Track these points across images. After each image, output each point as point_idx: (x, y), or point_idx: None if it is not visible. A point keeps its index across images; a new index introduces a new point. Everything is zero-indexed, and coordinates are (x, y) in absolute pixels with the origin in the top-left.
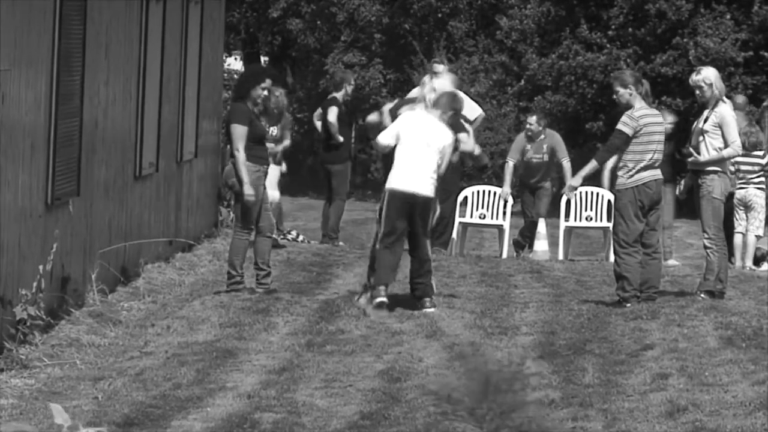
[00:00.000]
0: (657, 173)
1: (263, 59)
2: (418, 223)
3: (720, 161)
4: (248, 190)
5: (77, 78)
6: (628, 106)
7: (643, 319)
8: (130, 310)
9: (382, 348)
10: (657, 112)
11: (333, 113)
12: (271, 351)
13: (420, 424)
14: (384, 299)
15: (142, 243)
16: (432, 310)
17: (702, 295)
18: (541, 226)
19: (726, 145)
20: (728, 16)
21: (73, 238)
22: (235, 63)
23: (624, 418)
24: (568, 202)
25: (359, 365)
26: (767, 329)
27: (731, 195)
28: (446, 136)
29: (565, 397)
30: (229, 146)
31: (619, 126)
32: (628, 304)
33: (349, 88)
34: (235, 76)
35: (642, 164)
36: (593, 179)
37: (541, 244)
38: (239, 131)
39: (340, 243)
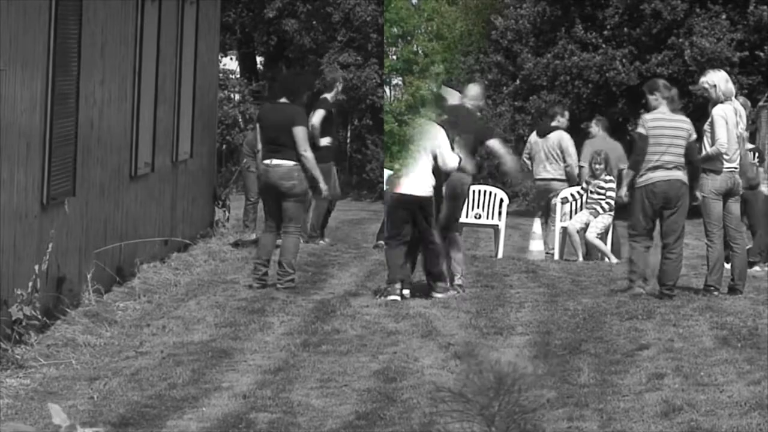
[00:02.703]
0: (669, 174)
1: (259, 59)
2: (420, 221)
3: (707, 160)
4: (324, 185)
5: (73, 78)
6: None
7: (638, 318)
8: (125, 310)
9: (378, 348)
10: (677, 116)
11: (318, 116)
12: (267, 351)
13: (416, 424)
14: (396, 297)
15: (138, 243)
16: (441, 296)
17: (719, 293)
18: (536, 226)
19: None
20: (724, 16)
21: (68, 238)
22: (230, 63)
23: (619, 418)
24: (564, 201)
25: (355, 365)
26: (762, 329)
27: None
28: (435, 135)
29: (561, 397)
30: (246, 149)
31: (637, 129)
32: (636, 289)
33: (340, 87)
34: (231, 76)
35: (650, 165)
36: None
37: (536, 244)
38: (306, 133)
39: (321, 241)
